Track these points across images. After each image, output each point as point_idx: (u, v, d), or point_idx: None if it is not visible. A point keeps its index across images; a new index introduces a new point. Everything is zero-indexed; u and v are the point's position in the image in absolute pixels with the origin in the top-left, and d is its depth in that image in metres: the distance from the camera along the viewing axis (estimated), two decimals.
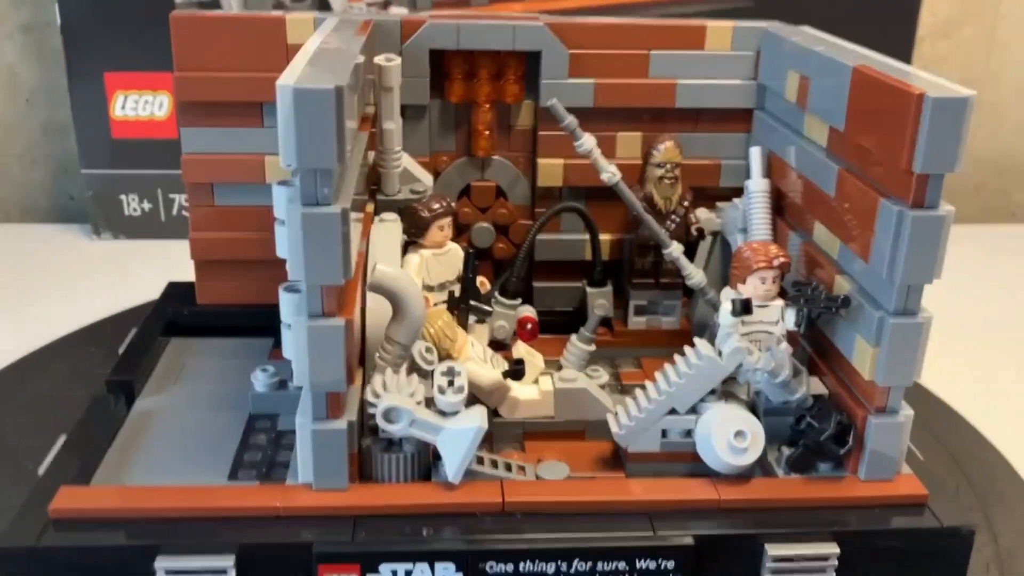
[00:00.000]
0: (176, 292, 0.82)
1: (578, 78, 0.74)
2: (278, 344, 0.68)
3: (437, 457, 0.56)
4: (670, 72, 0.75)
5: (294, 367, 0.53)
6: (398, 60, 0.68)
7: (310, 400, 0.54)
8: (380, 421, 0.55)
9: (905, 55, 1.19)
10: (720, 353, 0.59)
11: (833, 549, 0.54)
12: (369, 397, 0.56)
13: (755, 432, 0.57)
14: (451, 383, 0.56)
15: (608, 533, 0.54)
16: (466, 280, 0.66)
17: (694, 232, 0.75)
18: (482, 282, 0.69)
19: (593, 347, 0.68)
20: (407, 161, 0.72)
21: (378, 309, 0.60)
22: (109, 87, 1.07)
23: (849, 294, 0.58)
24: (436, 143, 0.77)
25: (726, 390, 0.61)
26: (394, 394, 0.55)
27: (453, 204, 0.68)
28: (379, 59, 0.68)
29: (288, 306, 0.55)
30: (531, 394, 0.65)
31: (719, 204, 0.76)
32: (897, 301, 0.54)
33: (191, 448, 0.63)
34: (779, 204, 0.71)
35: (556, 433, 0.65)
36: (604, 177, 0.70)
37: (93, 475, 0.60)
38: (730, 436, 0.57)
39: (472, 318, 0.68)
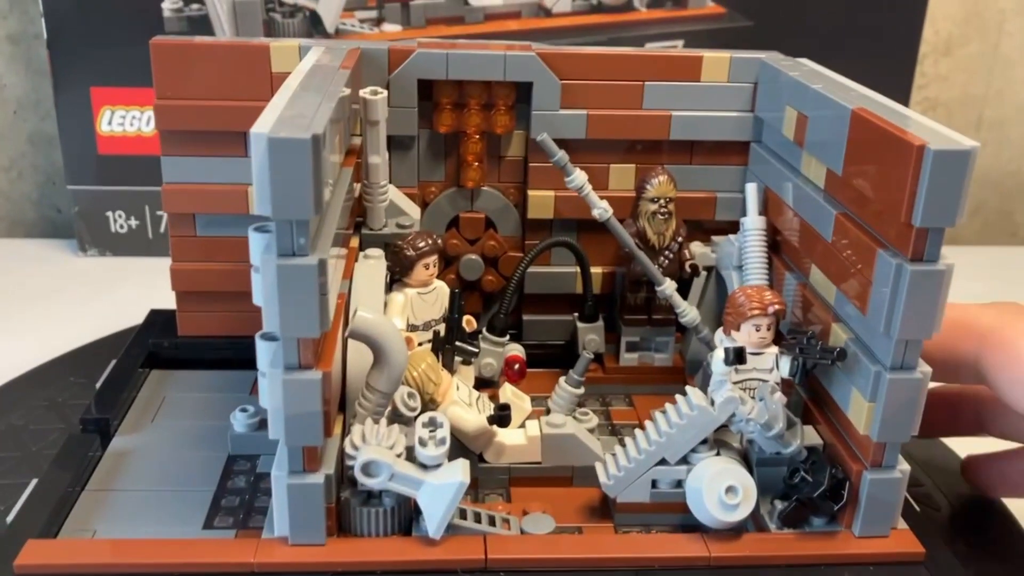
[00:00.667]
0: (158, 320, 0.81)
1: (570, 109, 0.73)
2: None
3: (419, 510, 0.55)
4: (665, 104, 0.73)
5: (269, 419, 0.51)
6: (384, 94, 0.66)
7: (286, 453, 0.52)
8: (359, 475, 0.53)
9: (907, 72, 1.17)
10: (712, 402, 0.57)
11: None
12: (348, 449, 0.54)
13: (747, 487, 0.55)
14: (432, 435, 0.55)
15: None
16: (451, 320, 0.65)
17: (687, 269, 0.73)
18: (468, 321, 0.67)
19: (582, 390, 0.67)
20: (394, 194, 0.71)
21: (360, 354, 0.58)
22: (96, 102, 1.05)
23: (845, 347, 0.56)
24: (424, 173, 0.76)
25: (718, 438, 0.59)
26: (373, 447, 0.53)
27: (440, 241, 0.66)
28: (364, 92, 0.66)
29: (264, 355, 0.53)
30: (517, 439, 0.63)
31: (714, 238, 0.74)
32: (895, 356, 0.52)
33: (166, 493, 0.61)
34: (775, 242, 0.69)
35: (543, 479, 0.63)
36: (595, 213, 0.69)
37: (64, 523, 0.58)
38: (721, 492, 0.55)
39: (458, 359, 0.66)
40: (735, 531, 0.56)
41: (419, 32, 1.09)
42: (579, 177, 0.68)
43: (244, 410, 0.66)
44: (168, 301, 0.77)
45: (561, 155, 0.67)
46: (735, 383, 0.59)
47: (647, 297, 0.74)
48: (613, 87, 0.72)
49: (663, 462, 0.58)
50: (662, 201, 0.71)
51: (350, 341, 0.58)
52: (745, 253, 0.69)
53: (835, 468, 0.56)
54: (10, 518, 0.57)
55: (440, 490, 0.53)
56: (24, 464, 0.66)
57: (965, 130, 1.30)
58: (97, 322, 0.94)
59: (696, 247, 0.74)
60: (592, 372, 0.74)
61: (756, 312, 0.59)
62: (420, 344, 0.65)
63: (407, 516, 0.55)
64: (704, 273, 0.73)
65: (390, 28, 1.09)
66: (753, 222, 0.69)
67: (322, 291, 0.49)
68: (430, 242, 0.65)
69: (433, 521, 0.53)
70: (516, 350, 0.72)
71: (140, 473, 0.63)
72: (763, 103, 0.72)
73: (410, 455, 0.55)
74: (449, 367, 0.65)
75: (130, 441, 0.67)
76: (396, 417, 0.59)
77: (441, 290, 0.66)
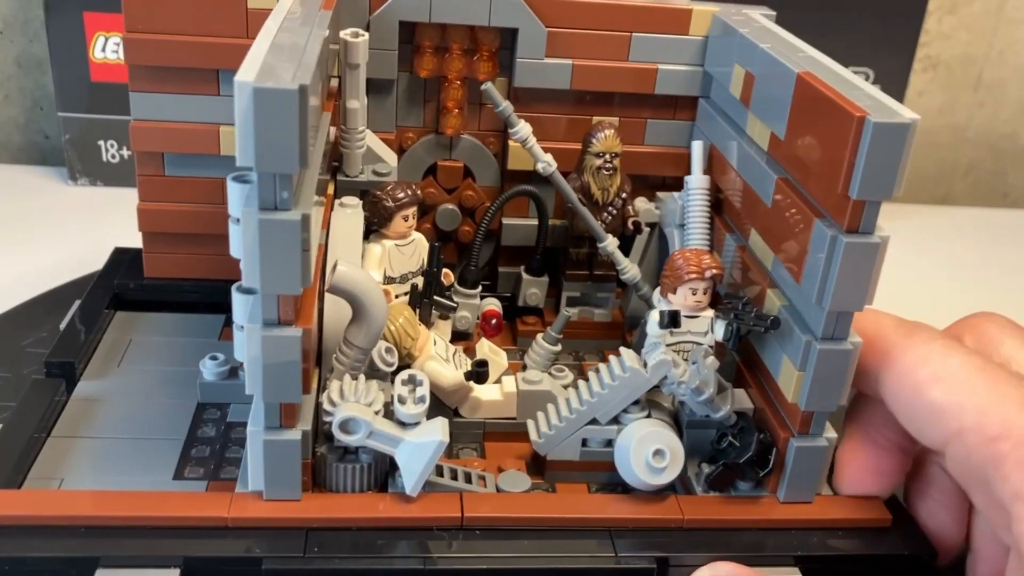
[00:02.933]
0: (123, 259, 0.78)
1: (556, 58, 0.71)
2: (229, 323, 0.65)
3: (395, 466, 0.54)
4: (653, 56, 0.71)
5: (246, 374, 0.50)
6: (365, 36, 0.64)
7: (263, 408, 0.51)
8: (336, 431, 0.52)
9: (914, 29, 1.15)
10: (645, 364, 0.57)
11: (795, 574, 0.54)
12: (326, 405, 0.53)
13: (674, 451, 0.55)
14: (412, 392, 0.54)
15: (569, 553, 0.53)
16: (430, 274, 0.63)
17: (630, 226, 0.72)
18: (446, 274, 0.66)
19: (559, 347, 0.66)
20: (371, 140, 0.69)
21: (337, 307, 0.57)
22: (89, 28, 1.00)
23: (778, 315, 0.56)
24: (403, 118, 0.74)
25: (651, 399, 0.59)
26: (352, 403, 0.53)
27: (419, 192, 0.64)
28: (345, 34, 0.64)
29: (241, 308, 0.52)
30: (493, 395, 0.63)
31: (660, 195, 0.73)
32: (826, 326, 0.52)
33: (135, 441, 0.60)
34: (719, 201, 0.68)
35: (517, 435, 0.63)
36: (539, 167, 0.68)
37: (29, 470, 0.57)
38: (648, 455, 0.55)
39: (435, 313, 0.65)
40: (664, 492, 0.56)
41: None
42: (523, 129, 0.66)
43: (214, 358, 0.65)
44: None
45: (505, 106, 0.66)
46: (669, 345, 0.59)
47: (589, 253, 0.74)
48: (600, 37, 0.70)
49: (594, 421, 0.58)
50: (607, 156, 0.70)
51: (327, 294, 0.57)
52: (687, 212, 0.68)
53: (763, 434, 0.56)
54: None
55: (419, 448, 0.52)
56: None
57: (963, 89, 1.30)
58: (86, 252, 0.92)
59: (641, 203, 0.73)
60: (531, 325, 0.74)
61: (693, 276, 0.59)
62: (397, 297, 0.64)
63: (383, 472, 0.55)
64: (647, 230, 0.73)
65: None
66: (696, 181, 0.68)
67: (305, 247, 0.48)
68: (409, 193, 0.63)
69: (411, 479, 0.53)
70: (493, 304, 0.71)
71: (108, 420, 0.62)
72: (712, 58, 0.71)
73: (387, 411, 0.54)
74: (426, 321, 0.64)
75: (96, 386, 0.65)
76: (372, 372, 0.58)
77: (419, 242, 0.65)
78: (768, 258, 0.59)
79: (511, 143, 0.73)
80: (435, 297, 0.64)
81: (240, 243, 0.48)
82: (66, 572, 0.50)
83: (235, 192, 0.49)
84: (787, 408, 0.56)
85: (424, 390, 0.54)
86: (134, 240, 0.78)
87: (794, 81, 0.55)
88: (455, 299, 0.68)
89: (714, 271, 0.59)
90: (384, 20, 0.69)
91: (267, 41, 0.50)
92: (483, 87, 0.65)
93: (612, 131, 0.70)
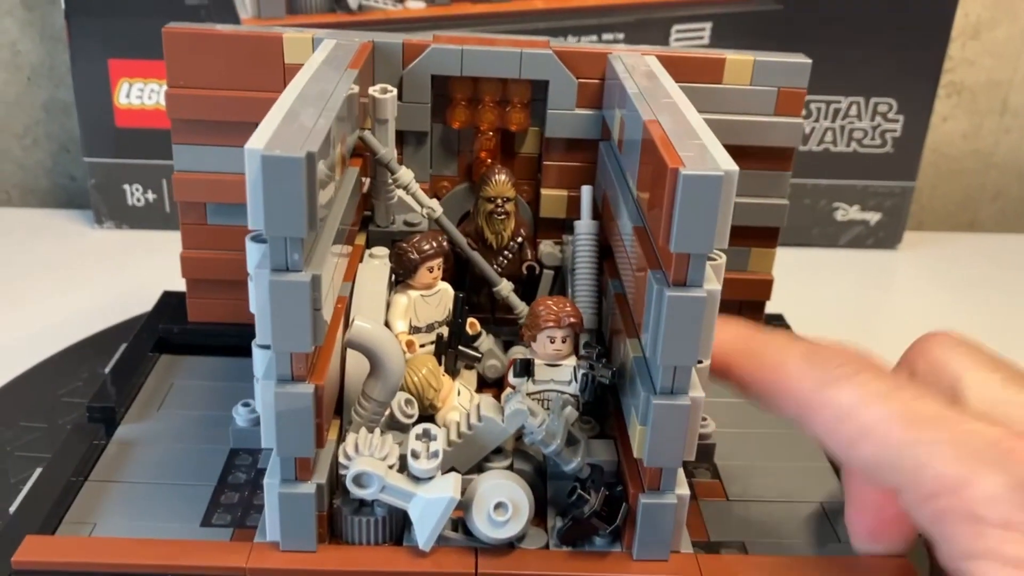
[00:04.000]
0: (170, 303, 0.81)
1: (586, 109, 0.71)
2: None
3: (410, 519, 0.55)
4: None
5: (262, 427, 0.51)
6: (393, 92, 0.65)
7: (278, 462, 0.52)
8: (350, 485, 0.53)
9: (937, 57, 1.13)
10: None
11: None
12: (341, 459, 0.54)
13: (517, 504, 0.54)
14: (425, 447, 0.54)
15: None
16: (454, 324, 0.64)
17: (524, 270, 0.72)
18: (472, 324, 0.67)
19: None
20: (415, 189, 0.69)
21: (359, 358, 0.58)
22: (113, 74, 1.05)
23: (630, 365, 0.54)
24: (437, 168, 0.75)
25: (518, 448, 0.59)
26: (365, 457, 0.53)
27: (445, 244, 0.65)
28: (374, 90, 0.65)
29: (259, 363, 0.53)
30: None
31: (566, 237, 0.73)
32: (663, 380, 0.51)
33: (167, 487, 0.62)
34: (609, 247, 0.68)
35: None
36: (423, 212, 0.68)
37: (65, 515, 0.59)
38: (490, 508, 0.54)
39: (460, 363, 0.66)
40: (506, 547, 0.55)
41: (443, 10, 1.08)
42: (404, 175, 0.67)
43: (246, 404, 0.66)
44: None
45: (386, 151, 0.66)
46: (533, 394, 0.59)
47: (490, 295, 0.73)
48: None
49: (453, 470, 0.57)
50: (499, 200, 0.70)
51: (349, 352, 0.58)
52: (575, 258, 0.68)
53: (618, 488, 0.55)
54: (13, 508, 0.58)
55: (431, 504, 0.53)
56: (31, 453, 0.67)
57: (989, 115, 1.26)
58: (113, 297, 0.95)
59: (546, 246, 0.73)
60: None
61: (550, 324, 0.59)
62: (422, 346, 0.65)
63: (399, 525, 0.56)
64: (550, 272, 0.73)
65: (414, 5, 1.08)
66: (583, 227, 0.68)
67: (315, 306, 0.49)
68: (435, 245, 0.64)
69: (423, 534, 0.53)
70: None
71: (143, 464, 0.64)
72: (607, 101, 0.70)
73: (404, 465, 0.55)
74: (451, 371, 0.65)
75: (135, 430, 0.68)
76: (393, 424, 0.59)
77: (445, 292, 0.66)
78: (636, 306, 0.58)
79: (543, 191, 0.74)
80: (460, 347, 0.64)
81: (255, 301, 0.49)
82: None
83: (252, 251, 0.51)
84: (637, 464, 0.54)
85: (438, 445, 0.54)
86: (160, 284, 0.81)
87: (642, 128, 0.54)
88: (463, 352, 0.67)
89: (572, 319, 0.59)
90: (416, 74, 0.70)
91: (285, 106, 0.52)
92: (360, 135, 0.65)
93: (504, 176, 0.70)
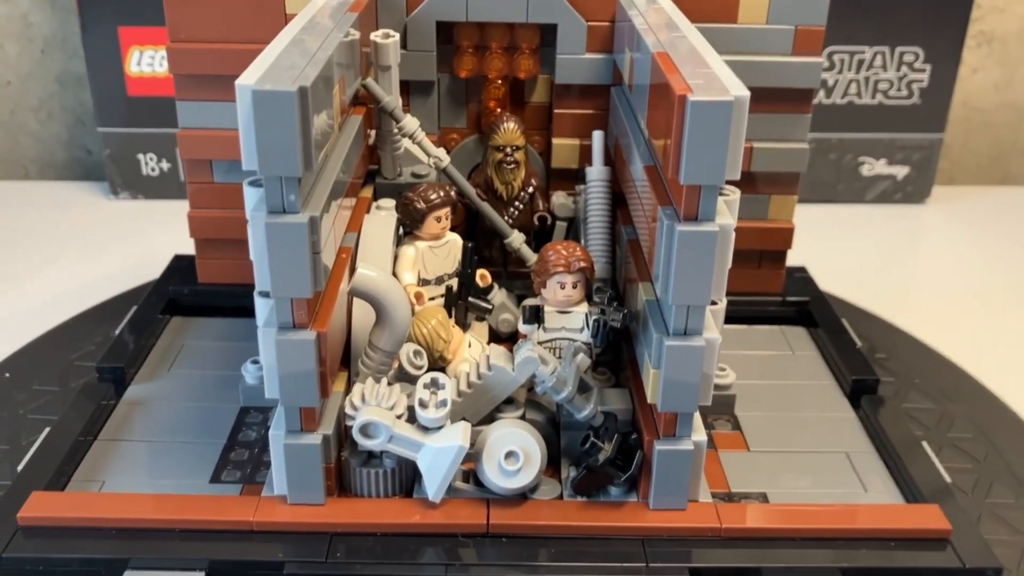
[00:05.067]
0: (180, 267, 0.80)
1: (597, 53, 0.69)
2: None
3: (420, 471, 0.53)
4: None
5: (265, 378, 0.50)
6: (395, 37, 0.64)
7: (283, 412, 0.51)
8: (357, 436, 0.52)
9: (966, 2, 1.09)
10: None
11: None
12: (347, 409, 0.53)
13: (528, 453, 0.52)
14: (433, 395, 0.53)
15: (599, 563, 0.51)
16: (464, 276, 0.62)
17: (536, 221, 0.69)
18: (482, 275, 0.65)
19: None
20: (421, 138, 0.67)
21: (366, 308, 0.57)
22: (124, 42, 1.04)
23: (641, 309, 0.52)
24: (445, 119, 0.73)
25: (530, 399, 0.58)
26: (373, 407, 0.52)
27: (452, 193, 0.63)
28: (375, 35, 0.63)
29: (260, 311, 0.52)
30: None
31: (578, 187, 0.71)
32: (676, 321, 0.49)
33: (177, 444, 0.61)
34: (621, 193, 0.65)
35: None
36: (430, 163, 0.66)
37: (73, 473, 0.58)
38: (501, 457, 0.52)
39: (471, 315, 0.64)
40: (519, 498, 0.53)
41: None
42: (410, 123, 0.65)
43: (255, 362, 0.65)
44: None
45: (388, 100, 0.64)
46: (544, 342, 0.57)
47: (502, 248, 0.70)
48: None
49: (464, 421, 0.55)
50: (508, 149, 0.68)
51: (356, 301, 0.57)
52: (587, 204, 0.66)
53: (632, 436, 0.53)
54: (20, 467, 0.58)
55: (439, 454, 0.51)
56: (42, 416, 0.66)
57: (1020, 66, 1.22)
58: (128, 265, 0.95)
59: (558, 197, 0.71)
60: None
61: (560, 269, 0.57)
62: (432, 299, 0.63)
63: (409, 477, 0.54)
64: (563, 223, 0.71)
65: None
66: (595, 173, 0.66)
67: (314, 249, 0.47)
68: (441, 194, 0.62)
69: (433, 485, 0.52)
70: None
71: (152, 423, 0.63)
72: (616, 43, 0.68)
73: (412, 415, 0.54)
74: (462, 324, 0.63)
75: (145, 390, 0.67)
76: (402, 375, 0.57)
77: (454, 243, 0.64)
78: (643, 246, 0.56)
79: (555, 141, 0.72)
80: (470, 299, 0.63)
81: (253, 247, 0.48)
82: (96, 573, 0.51)
83: (249, 196, 0.49)
84: (651, 409, 0.53)
85: (447, 393, 0.53)
86: (174, 251, 0.80)
87: (650, 62, 0.52)
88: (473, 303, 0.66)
89: (582, 264, 0.57)
90: (421, 21, 0.68)
91: (281, 44, 0.50)
92: (362, 82, 0.63)
93: (513, 124, 0.68)
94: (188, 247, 0.79)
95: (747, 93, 0.45)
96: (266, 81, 0.44)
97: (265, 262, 0.47)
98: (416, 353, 0.57)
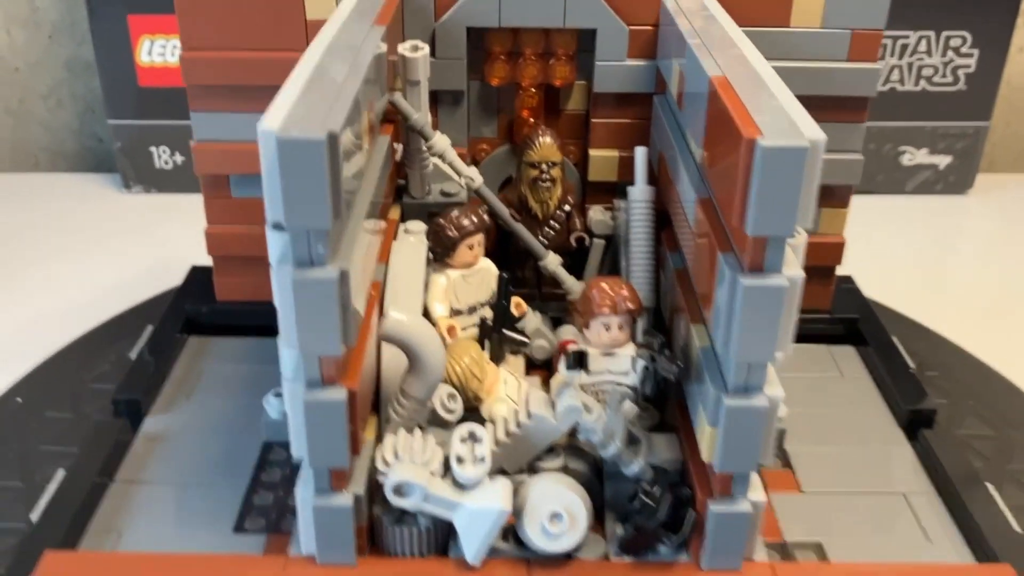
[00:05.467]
0: (197, 280, 0.77)
1: (638, 59, 0.64)
2: None
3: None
4: None
5: (291, 435, 0.47)
6: (426, 50, 0.59)
7: (311, 473, 0.48)
8: (390, 495, 0.48)
9: (1011, 12, 1.03)
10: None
11: None
12: (379, 465, 0.49)
13: (574, 514, 0.48)
14: (472, 451, 0.49)
15: None
16: (499, 307, 0.58)
17: (572, 242, 0.65)
18: (518, 304, 0.61)
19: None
20: (452, 157, 0.63)
21: (395, 352, 0.53)
22: (134, 31, 0.99)
23: (694, 358, 0.48)
24: (475, 129, 0.69)
25: (571, 444, 0.53)
26: (407, 464, 0.49)
27: (486, 218, 0.59)
28: (403, 48, 0.59)
29: (286, 362, 0.48)
30: None
31: (616, 202, 0.66)
32: (736, 378, 0.45)
33: (196, 489, 0.58)
34: (667, 214, 0.61)
35: None
36: (461, 182, 0.62)
37: (89, 522, 0.55)
38: (544, 519, 0.48)
39: (506, 349, 0.60)
40: (562, 557, 0.50)
41: None
42: (440, 142, 0.60)
43: (278, 395, 0.61)
44: None
45: (417, 117, 0.59)
46: (587, 386, 0.53)
47: (536, 269, 0.66)
48: None
49: (503, 472, 0.52)
50: (544, 166, 0.63)
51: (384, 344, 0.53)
52: (630, 227, 0.62)
53: (683, 492, 0.49)
54: (35, 515, 0.55)
55: (478, 516, 0.48)
56: (57, 447, 0.63)
57: None
58: (143, 268, 0.91)
59: (595, 213, 0.67)
60: None
61: (605, 311, 0.53)
62: (464, 329, 0.60)
63: (444, 535, 0.51)
64: (602, 242, 0.66)
65: None
66: (637, 193, 0.61)
67: (344, 304, 0.43)
68: (475, 220, 0.58)
69: (471, 548, 0.49)
70: (570, 334, 0.65)
71: (171, 462, 0.60)
72: (661, 50, 0.63)
73: (448, 470, 0.50)
74: (496, 358, 0.59)
75: (163, 423, 0.63)
76: (435, 420, 0.54)
77: (487, 271, 0.60)
78: (696, 287, 0.52)
79: (592, 152, 0.68)
80: (505, 331, 0.59)
81: (278, 297, 0.44)
82: None
83: (272, 241, 0.46)
84: (705, 466, 0.49)
85: (484, 448, 0.49)
86: (191, 251, 0.76)
87: (707, 86, 0.47)
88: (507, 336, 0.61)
89: (629, 305, 0.53)
90: (450, 27, 0.64)
91: (304, 74, 0.46)
92: (390, 98, 0.58)
93: (549, 138, 0.63)
94: (204, 246, 0.75)
95: (822, 136, 0.41)
96: (291, 126, 0.40)
97: (292, 317, 0.43)
98: (450, 396, 0.54)
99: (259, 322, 0.71)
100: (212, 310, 0.73)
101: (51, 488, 0.57)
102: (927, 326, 0.81)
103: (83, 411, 0.67)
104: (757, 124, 0.41)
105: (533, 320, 0.65)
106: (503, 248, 0.67)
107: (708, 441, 0.47)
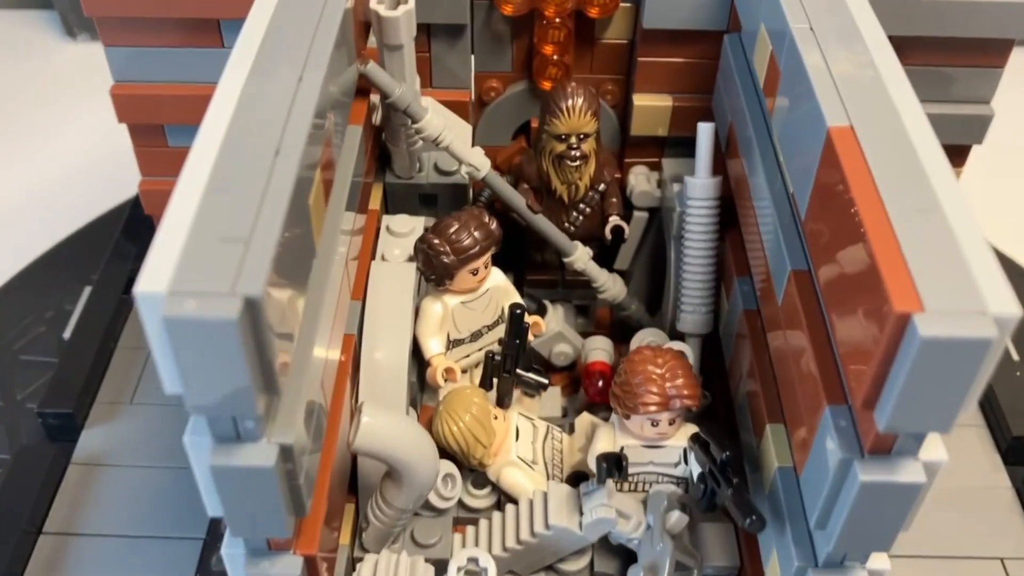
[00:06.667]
0: (138, 219, 0.63)
1: None
2: None
3: None
4: None
5: None
6: (410, 5, 0.42)
7: None
8: None
9: None
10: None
11: None
12: None
13: None
14: None
15: None
16: (512, 347, 0.45)
17: (608, 234, 0.50)
18: (535, 323, 0.48)
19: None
20: (449, 142, 0.46)
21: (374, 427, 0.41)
22: None
23: (761, 513, 0.37)
24: (481, 63, 0.52)
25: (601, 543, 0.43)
26: None
27: (496, 228, 0.44)
28: (378, 4, 0.42)
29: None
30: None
31: (664, 167, 0.51)
32: (830, 555, 0.34)
33: (143, 542, 0.48)
34: (734, 209, 0.46)
35: None
36: (464, 171, 0.46)
37: None
38: None
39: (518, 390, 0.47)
40: None
41: None
42: (431, 125, 0.44)
43: None
44: None
45: (400, 93, 0.43)
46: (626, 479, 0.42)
47: (558, 252, 0.51)
48: None
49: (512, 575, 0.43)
50: (572, 140, 0.47)
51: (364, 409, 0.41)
52: (686, 227, 0.47)
53: None
54: None
55: None
56: None
57: None
58: (96, 151, 0.77)
59: (638, 179, 0.52)
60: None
61: (653, 409, 0.40)
62: (467, 357, 0.47)
63: None
64: (644, 215, 0.52)
65: None
66: (698, 187, 0.46)
67: (291, 479, 0.31)
68: (477, 236, 0.43)
69: None
70: (601, 351, 0.51)
71: (112, 502, 0.50)
72: None
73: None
74: (504, 401, 0.46)
75: (101, 439, 0.53)
76: (427, 506, 0.43)
77: (494, 289, 0.46)
78: (778, 363, 0.39)
79: (636, 99, 0.51)
80: (519, 372, 0.46)
81: (197, 473, 0.31)
82: None
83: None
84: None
85: None
86: None
87: (824, 138, 0.32)
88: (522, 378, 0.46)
89: (684, 400, 0.40)
90: None
91: (213, 138, 0.30)
92: (361, 71, 0.41)
93: (581, 100, 0.46)
94: None
95: (1016, 311, 0.26)
96: (185, 287, 0.25)
97: (215, 499, 0.31)
98: (446, 479, 0.42)
99: None
100: None
101: None
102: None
103: (10, 392, 0.56)
104: (915, 283, 0.26)
105: (554, 319, 0.52)
106: (518, 235, 0.52)
107: None
